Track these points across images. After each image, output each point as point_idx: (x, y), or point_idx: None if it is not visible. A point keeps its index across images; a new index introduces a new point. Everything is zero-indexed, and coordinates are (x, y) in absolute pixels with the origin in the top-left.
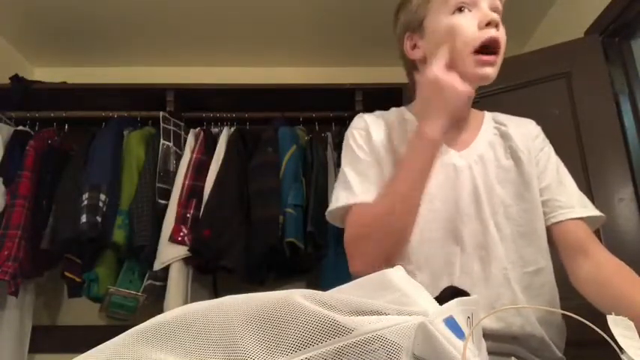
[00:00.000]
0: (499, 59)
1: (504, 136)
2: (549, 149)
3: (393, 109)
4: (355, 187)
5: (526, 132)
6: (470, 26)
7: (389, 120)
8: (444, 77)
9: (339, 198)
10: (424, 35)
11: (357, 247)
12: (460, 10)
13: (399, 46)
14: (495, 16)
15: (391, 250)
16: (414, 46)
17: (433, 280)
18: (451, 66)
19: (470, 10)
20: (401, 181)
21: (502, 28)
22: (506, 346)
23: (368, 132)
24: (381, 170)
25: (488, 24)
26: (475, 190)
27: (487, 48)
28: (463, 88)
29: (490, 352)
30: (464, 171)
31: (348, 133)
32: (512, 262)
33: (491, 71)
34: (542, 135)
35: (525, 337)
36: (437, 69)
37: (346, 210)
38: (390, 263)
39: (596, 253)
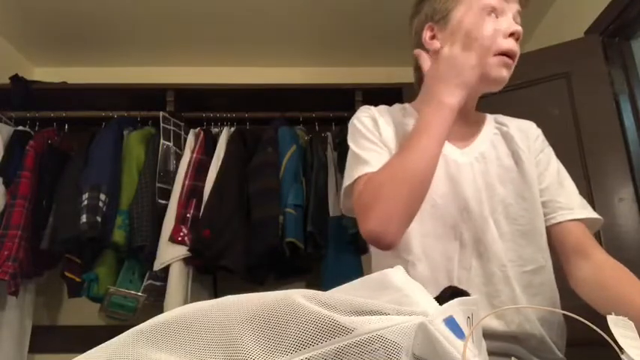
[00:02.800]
0: (512, 69)
1: (505, 137)
2: (549, 151)
3: (397, 105)
4: (366, 158)
5: (527, 133)
6: (495, 32)
7: (394, 114)
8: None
9: (352, 175)
10: (446, 27)
11: (369, 206)
12: (488, 14)
13: (415, 36)
14: (520, 30)
15: (405, 208)
16: (433, 37)
17: (432, 273)
18: None
19: (497, 17)
20: (416, 142)
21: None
22: (506, 345)
23: (375, 121)
24: (387, 152)
25: (512, 34)
26: (475, 187)
27: (504, 56)
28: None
29: (490, 352)
30: (465, 168)
31: (354, 120)
32: (511, 261)
33: (507, 75)
34: (542, 136)
35: (525, 336)
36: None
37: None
38: (403, 225)
39: (594, 255)
